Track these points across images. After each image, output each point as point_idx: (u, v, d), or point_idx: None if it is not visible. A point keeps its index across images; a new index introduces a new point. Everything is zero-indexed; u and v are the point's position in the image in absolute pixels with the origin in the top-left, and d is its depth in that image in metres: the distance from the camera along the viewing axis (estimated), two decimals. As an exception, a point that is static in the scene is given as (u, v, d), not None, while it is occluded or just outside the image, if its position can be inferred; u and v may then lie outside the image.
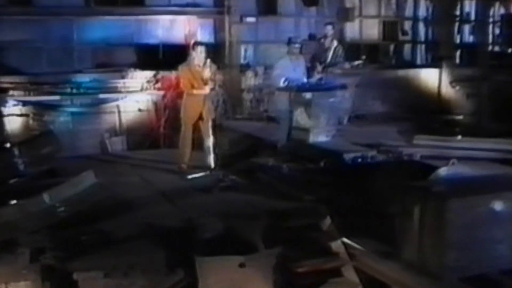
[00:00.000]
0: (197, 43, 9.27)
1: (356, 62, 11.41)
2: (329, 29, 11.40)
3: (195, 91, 8.89)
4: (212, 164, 8.91)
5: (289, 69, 9.67)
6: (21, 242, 5.76)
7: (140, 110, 12.34)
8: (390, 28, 15.41)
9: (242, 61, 13.23)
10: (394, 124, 11.84)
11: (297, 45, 9.92)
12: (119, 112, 12.20)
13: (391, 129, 11.40)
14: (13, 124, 11.46)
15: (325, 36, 11.44)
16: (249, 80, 13.01)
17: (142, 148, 11.68)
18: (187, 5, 12.82)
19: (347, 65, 11.35)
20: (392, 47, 15.72)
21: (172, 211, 7.16)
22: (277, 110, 10.21)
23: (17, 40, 11.79)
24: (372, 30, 15.21)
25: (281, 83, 9.57)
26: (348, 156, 8.64)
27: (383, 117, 12.98)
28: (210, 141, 8.97)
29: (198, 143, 9.26)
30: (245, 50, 13.38)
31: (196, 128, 9.11)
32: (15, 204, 6.30)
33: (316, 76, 10.74)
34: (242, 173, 8.73)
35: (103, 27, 12.40)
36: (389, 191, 6.13)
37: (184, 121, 9.08)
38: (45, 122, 11.55)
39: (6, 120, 11.40)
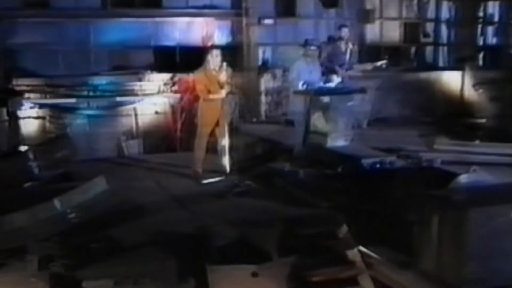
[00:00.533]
0: (212, 47, 9.17)
1: (379, 63, 11.20)
2: (346, 31, 11.19)
3: (211, 96, 8.78)
4: (228, 169, 8.82)
5: (305, 71, 9.52)
6: (30, 250, 5.69)
7: (157, 113, 12.34)
8: (411, 30, 15.26)
9: (260, 63, 13.17)
10: (415, 128, 11.70)
11: (313, 47, 9.74)
12: (135, 115, 12.22)
13: (412, 133, 11.24)
14: (30, 127, 11.51)
15: (340, 38, 11.21)
16: (267, 82, 12.92)
17: (158, 152, 11.61)
18: (205, 7, 12.81)
19: (369, 66, 11.14)
20: (413, 49, 15.58)
21: (185, 217, 7.07)
22: (293, 113, 10.04)
23: (33, 42, 11.84)
24: (393, 32, 15.07)
25: (300, 86, 9.43)
26: (366, 162, 8.48)
27: (404, 121, 12.82)
28: (226, 146, 8.87)
29: (213, 147, 9.14)
30: (263, 52, 13.34)
31: (212, 132, 9.00)
32: (26, 210, 6.23)
33: (336, 80, 10.56)
34: (258, 178, 8.62)
35: (120, 29, 12.40)
36: (408, 199, 5.99)
37: (201, 127, 8.96)
38: (62, 124, 11.58)
39: (23, 122, 11.41)
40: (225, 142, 8.89)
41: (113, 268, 5.46)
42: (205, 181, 8.68)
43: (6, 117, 11.03)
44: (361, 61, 12.77)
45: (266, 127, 11.85)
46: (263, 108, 12.91)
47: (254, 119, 12.64)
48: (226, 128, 8.95)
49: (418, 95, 13.79)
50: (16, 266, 5.43)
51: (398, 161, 8.77)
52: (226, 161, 8.85)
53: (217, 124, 8.93)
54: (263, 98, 12.90)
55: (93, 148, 11.44)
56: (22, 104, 11.23)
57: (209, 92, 8.77)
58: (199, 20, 12.78)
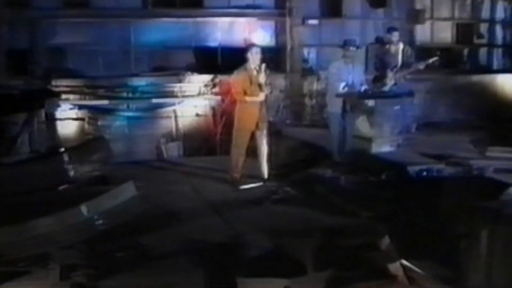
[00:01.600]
0: (251, 45, 8.89)
1: (431, 60, 10.78)
2: (396, 35, 10.80)
3: (247, 98, 8.53)
4: (266, 175, 8.55)
5: (345, 73, 9.19)
6: (54, 257, 5.53)
7: (197, 115, 12.23)
8: (464, 31, 14.77)
9: (304, 65, 12.93)
10: (467, 133, 11.30)
11: (352, 48, 9.39)
12: (175, 117, 12.11)
13: (463, 138, 10.85)
14: (69, 128, 11.50)
15: (390, 42, 10.82)
16: (311, 85, 12.68)
17: (198, 155, 11.52)
18: (247, 6, 12.64)
19: (421, 65, 10.73)
20: (466, 51, 15.08)
21: (218, 225, 6.85)
22: (328, 115, 9.72)
23: (73, 42, 11.83)
24: (444, 33, 14.64)
25: (340, 89, 9.11)
26: (412, 169, 8.12)
27: (456, 126, 12.42)
28: (264, 150, 8.60)
29: (253, 151, 8.89)
30: (308, 54, 13.10)
31: (250, 136, 8.74)
32: (52, 215, 6.09)
33: (389, 84, 10.20)
34: (298, 184, 8.38)
35: (161, 29, 12.31)
36: (456, 210, 5.66)
37: (239, 130, 8.72)
38: (101, 126, 11.54)
39: (62, 124, 11.41)
40: (264, 146, 8.61)
41: (138, 278, 5.27)
42: (243, 187, 8.46)
43: (43, 119, 11.01)
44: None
45: (310, 130, 11.60)
46: (307, 111, 12.69)
47: (298, 122, 12.37)
48: (266, 132, 8.67)
49: (471, 99, 13.36)
50: (38, 274, 5.27)
51: (447, 168, 8.38)
52: (264, 166, 8.58)
53: (256, 127, 8.65)
54: (307, 101, 12.69)
55: (132, 150, 11.46)
56: (59, 105, 11.19)
57: (245, 94, 8.51)
58: (241, 20, 12.62)
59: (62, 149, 9.07)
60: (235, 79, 8.83)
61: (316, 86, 12.65)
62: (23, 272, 5.31)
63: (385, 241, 5.91)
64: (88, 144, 9.61)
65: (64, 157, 8.63)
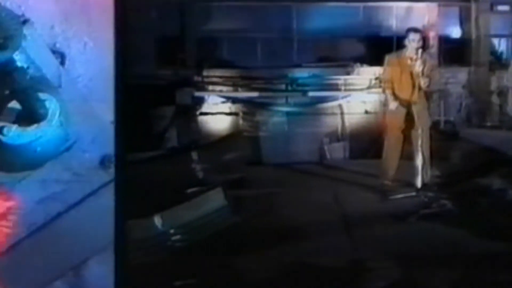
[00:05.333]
0: (409, 30, 7.76)
1: None
2: None
3: (393, 97, 7.52)
4: (419, 184, 7.35)
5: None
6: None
7: (366, 112, 11.19)
8: None
9: (492, 57, 11.57)
10: None
11: None
12: (341, 113, 11.17)
13: None
14: (221, 124, 10.95)
15: None
16: (501, 80, 11.18)
17: (366, 157, 10.40)
18: None
19: None
20: None
21: (342, 245, 5.82)
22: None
23: (228, 29, 11.35)
24: None
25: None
26: None
27: None
28: (421, 154, 7.40)
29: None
30: (497, 45, 11.71)
31: (406, 137, 7.61)
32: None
33: None
34: (459, 197, 7.15)
35: (327, 15, 11.44)
36: None
37: (388, 129, 7.71)
38: (257, 122, 10.88)
39: (213, 119, 10.90)
40: (421, 149, 7.41)
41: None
42: (393, 197, 7.36)
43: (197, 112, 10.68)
44: None
45: (496, 133, 10.26)
46: (494, 110, 11.25)
47: (483, 124, 11.07)
48: (421, 132, 7.46)
49: None
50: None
51: None
52: (419, 173, 7.40)
53: (411, 126, 7.51)
54: (494, 99, 11.24)
55: (290, 150, 10.74)
56: (195, 97, 10.62)
57: (393, 85, 7.50)
58: (420, 6, 11.46)
59: (193, 147, 8.54)
60: (384, 67, 7.95)
61: (506, 82, 11.07)
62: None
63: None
64: (223, 142, 8.96)
65: (193, 156, 8.07)
